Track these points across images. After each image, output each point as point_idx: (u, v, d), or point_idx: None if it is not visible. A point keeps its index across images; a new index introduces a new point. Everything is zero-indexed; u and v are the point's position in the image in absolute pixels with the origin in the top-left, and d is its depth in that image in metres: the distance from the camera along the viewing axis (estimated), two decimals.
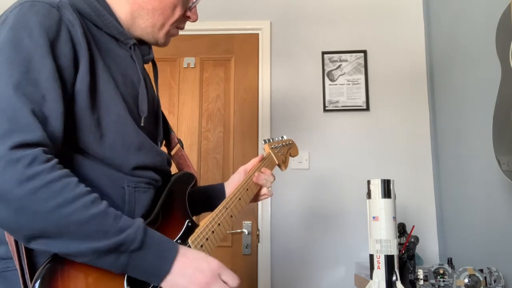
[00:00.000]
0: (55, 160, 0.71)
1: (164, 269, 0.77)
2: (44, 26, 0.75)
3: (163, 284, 0.78)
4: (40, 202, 0.67)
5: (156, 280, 0.77)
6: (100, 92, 0.82)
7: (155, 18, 0.94)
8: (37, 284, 0.70)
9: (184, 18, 1.01)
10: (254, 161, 1.21)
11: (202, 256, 0.81)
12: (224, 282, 0.81)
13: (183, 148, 1.12)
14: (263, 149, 1.35)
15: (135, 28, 0.95)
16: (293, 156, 1.42)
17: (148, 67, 1.06)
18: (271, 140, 1.31)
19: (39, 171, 0.67)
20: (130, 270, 0.75)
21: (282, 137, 1.39)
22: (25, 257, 0.73)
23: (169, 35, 1.00)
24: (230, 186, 1.17)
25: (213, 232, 0.96)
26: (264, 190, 1.19)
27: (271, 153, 1.28)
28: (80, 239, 0.70)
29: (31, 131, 0.69)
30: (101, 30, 0.88)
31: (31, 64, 0.72)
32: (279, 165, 1.32)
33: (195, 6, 1.02)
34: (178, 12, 0.97)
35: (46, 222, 0.67)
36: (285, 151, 1.37)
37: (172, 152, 1.11)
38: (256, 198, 1.19)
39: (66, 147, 0.79)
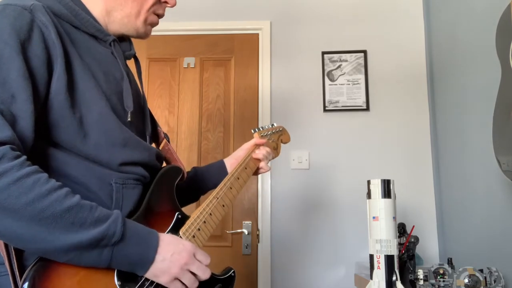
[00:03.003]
0: (24, 157, 0.70)
1: (148, 258, 0.78)
2: (14, 28, 0.75)
3: (147, 273, 0.79)
4: (11, 199, 0.66)
5: (141, 270, 0.78)
6: (80, 91, 0.82)
7: (128, 7, 0.94)
8: (25, 286, 0.69)
9: (161, 3, 1.00)
10: (249, 145, 1.26)
11: (176, 239, 0.84)
12: (199, 261, 0.85)
13: (169, 142, 1.12)
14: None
15: (112, 22, 0.95)
16: (284, 143, 1.43)
17: (131, 63, 1.06)
18: (261, 129, 1.32)
19: (8, 168, 0.67)
20: (115, 263, 0.76)
21: (273, 124, 1.39)
22: (15, 260, 0.72)
23: (147, 22, 0.99)
24: (230, 164, 1.23)
25: (204, 222, 0.97)
26: (262, 164, 1.25)
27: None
28: (57, 234, 0.69)
29: None
30: (79, 29, 0.88)
31: None
32: (266, 157, 1.32)
33: None
34: None
35: (19, 220, 0.67)
36: (276, 138, 1.38)
37: (160, 147, 1.11)
38: (255, 172, 1.26)
39: (51, 147, 0.80)
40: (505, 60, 1.40)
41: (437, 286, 1.47)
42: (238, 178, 1.13)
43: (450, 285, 1.47)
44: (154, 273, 0.79)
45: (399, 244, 1.71)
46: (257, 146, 1.26)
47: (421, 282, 1.46)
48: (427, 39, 2.43)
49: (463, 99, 1.97)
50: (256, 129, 1.30)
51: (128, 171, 0.88)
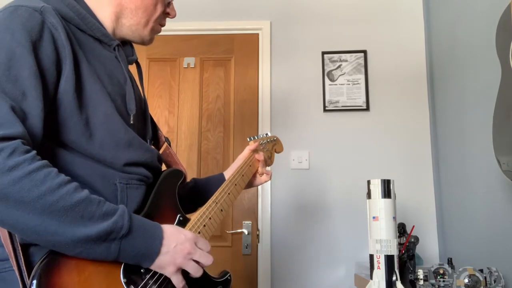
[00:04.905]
0: (34, 152, 0.72)
1: (154, 250, 0.80)
2: (26, 28, 0.76)
3: (153, 265, 0.81)
4: (23, 192, 0.67)
5: (147, 262, 0.80)
6: (86, 92, 0.84)
7: (139, 16, 0.98)
8: (34, 282, 0.70)
9: (164, 15, 1.05)
10: (244, 153, 1.28)
11: (177, 230, 0.86)
12: (200, 249, 0.87)
13: (170, 146, 1.14)
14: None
15: (120, 28, 0.98)
16: (278, 152, 1.48)
17: (132, 68, 1.08)
18: (256, 137, 1.36)
19: (20, 162, 0.68)
20: (123, 256, 0.77)
21: (267, 133, 1.44)
22: (22, 257, 0.73)
23: (153, 31, 1.03)
24: (229, 174, 1.23)
25: (204, 226, 0.99)
26: (262, 170, 1.28)
27: (257, 149, 1.34)
28: (67, 227, 0.70)
29: (11, 127, 0.69)
30: (85, 33, 0.90)
31: (12, 62, 0.73)
32: (264, 161, 1.35)
33: (172, 2, 1.06)
34: (159, 9, 1.01)
35: (30, 212, 0.68)
36: (270, 148, 1.42)
37: (160, 151, 1.13)
38: (252, 183, 1.28)
39: (57, 146, 0.81)
40: (505, 60, 1.40)
41: (437, 286, 1.47)
42: (236, 185, 1.17)
43: (450, 285, 1.47)
44: (159, 264, 0.81)
45: (399, 244, 1.71)
46: (253, 152, 1.29)
47: (421, 282, 1.46)
48: (427, 39, 2.43)
49: (463, 99, 1.97)
50: (252, 138, 1.35)
51: (132, 172, 0.90)
